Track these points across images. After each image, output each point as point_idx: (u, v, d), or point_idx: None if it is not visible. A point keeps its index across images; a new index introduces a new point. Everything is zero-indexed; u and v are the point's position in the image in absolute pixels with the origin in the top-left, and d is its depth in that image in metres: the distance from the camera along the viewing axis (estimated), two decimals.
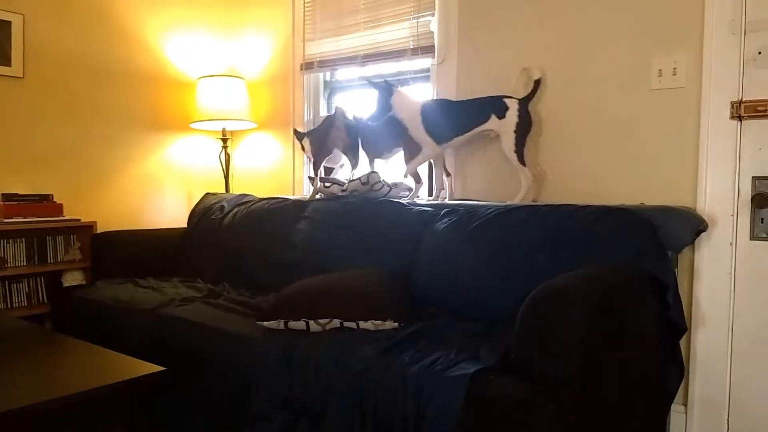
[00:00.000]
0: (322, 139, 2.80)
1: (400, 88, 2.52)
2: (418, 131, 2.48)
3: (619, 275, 1.62)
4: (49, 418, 1.34)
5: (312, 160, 2.86)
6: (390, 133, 2.63)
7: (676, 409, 2.10)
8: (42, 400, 1.29)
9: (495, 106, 2.36)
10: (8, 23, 2.73)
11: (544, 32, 2.42)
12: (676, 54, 2.12)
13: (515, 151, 2.33)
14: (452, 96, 2.68)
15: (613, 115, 2.26)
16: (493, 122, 2.35)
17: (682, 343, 1.89)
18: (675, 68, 2.12)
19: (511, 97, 2.36)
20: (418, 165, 2.56)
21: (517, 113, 2.33)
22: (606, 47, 2.27)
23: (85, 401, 1.38)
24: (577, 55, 2.34)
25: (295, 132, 2.95)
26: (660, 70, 2.16)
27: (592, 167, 2.31)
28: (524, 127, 2.34)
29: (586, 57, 2.32)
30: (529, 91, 2.38)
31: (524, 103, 2.34)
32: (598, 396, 1.42)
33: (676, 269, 1.95)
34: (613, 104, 2.26)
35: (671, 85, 2.13)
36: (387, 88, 2.50)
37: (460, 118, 2.41)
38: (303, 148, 2.90)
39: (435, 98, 2.73)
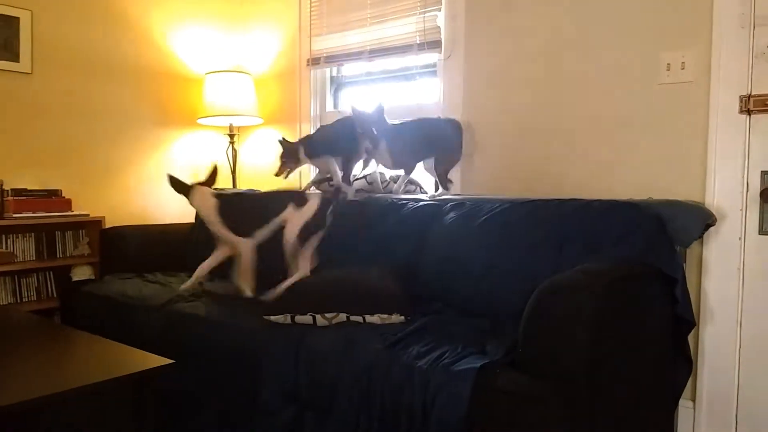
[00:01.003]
0: (350, 146, 2.56)
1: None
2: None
3: (627, 270, 1.61)
4: (59, 409, 1.35)
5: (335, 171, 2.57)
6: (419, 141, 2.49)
7: (684, 404, 2.10)
8: (53, 392, 1.30)
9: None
10: (16, 19, 2.74)
11: (552, 27, 2.41)
12: (684, 48, 2.11)
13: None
14: (459, 91, 2.67)
15: (621, 109, 2.25)
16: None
17: (691, 338, 1.89)
18: (683, 62, 2.11)
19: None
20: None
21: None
22: (614, 41, 2.26)
23: (95, 393, 1.39)
24: (585, 49, 2.33)
25: (286, 143, 2.64)
26: (668, 64, 2.14)
27: (599, 161, 2.30)
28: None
29: (595, 51, 2.31)
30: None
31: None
32: (605, 391, 1.41)
33: (684, 264, 1.94)
34: (621, 99, 2.25)
35: (680, 79, 2.12)
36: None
37: None
38: (298, 160, 2.62)
39: None
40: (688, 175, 2.11)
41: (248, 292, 2.25)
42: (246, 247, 2.30)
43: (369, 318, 1.79)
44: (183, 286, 2.35)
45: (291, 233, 2.27)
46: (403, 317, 1.82)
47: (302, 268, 2.27)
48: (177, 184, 2.32)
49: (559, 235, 1.85)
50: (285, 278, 2.14)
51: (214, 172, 2.40)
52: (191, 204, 2.36)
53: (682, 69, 2.12)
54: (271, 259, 2.25)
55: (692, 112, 2.10)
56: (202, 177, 2.40)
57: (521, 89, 2.50)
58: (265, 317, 1.85)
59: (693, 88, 2.10)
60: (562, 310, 1.34)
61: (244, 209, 2.40)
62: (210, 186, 2.38)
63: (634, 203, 1.86)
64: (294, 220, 2.31)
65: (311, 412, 1.66)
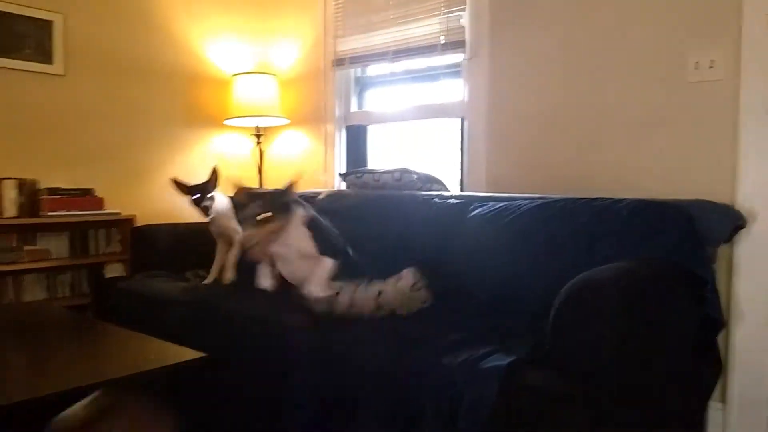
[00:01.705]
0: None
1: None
2: None
3: (655, 269, 1.61)
4: None
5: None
6: None
7: (713, 406, 2.07)
8: (90, 383, 1.34)
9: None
10: (50, 23, 2.81)
11: (577, 26, 2.40)
12: (713, 46, 2.09)
13: None
14: (484, 91, 2.68)
15: (648, 107, 2.24)
16: None
17: (720, 339, 1.87)
18: (712, 60, 2.09)
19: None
20: None
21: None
22: (642, 39, 2.24)
23: (131, 385, 1.43)
24: (612, 48, 2.32)
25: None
26: (697, 62, 2.12)
27: (626, 161, 2.29)
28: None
29: (622, 49, 2.29)
30: None
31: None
32: (633, 390, 1.41)
33: (714, 264, 1.92)
34: (648, 97, 2.23)
35: (709, 77, 2.10)
36: None
37: None
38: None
39: None
40: (717, 175, 2.09)
41: (230, 276, 2.45)
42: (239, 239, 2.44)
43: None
44: (205, 282, 2.53)
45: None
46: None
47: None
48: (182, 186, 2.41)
49: (587, 233, 1.85)
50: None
51: (214, 174, 2.46)
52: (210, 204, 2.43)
53: (711, 67, 2.10)
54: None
55: (721, 111, 2.07)
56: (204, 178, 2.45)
57: (547, 88, 2.49)
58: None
59: (722, 86, 2.07)
60: (591, 307, 1.34)
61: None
62: (213, 187, 2.44)
63: (663, 202, 1.85)
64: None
65: (338, 407, 1.68)
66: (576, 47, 2.41)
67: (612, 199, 1.94)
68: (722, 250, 2.04)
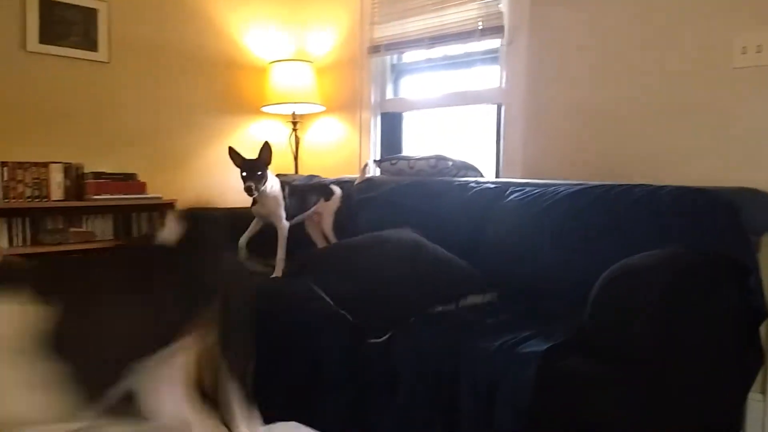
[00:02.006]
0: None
1: None
2: None
3: (698, 256, 1.58)
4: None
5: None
6: None
7: (754, 397, 2.04)
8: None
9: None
10: (95, 11, 2.88)
11: (618, 10, 2.36)
12: (760, 30, 2.03)
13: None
14: (521, 77, 2.65)
15: (692, 94, 2.19)
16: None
17: (763, 330, 1.83)
18: (760, 45, 2.04)
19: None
20: None
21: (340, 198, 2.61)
22: (686, 24, 2.19)
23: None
24: (656, 33, 2.27)
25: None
26: (744, 47, 2.07)
27: (666, 149, 2.25)
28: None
29: (666, 35, 2.25)
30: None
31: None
32: (672, 377, 1.40)
33: (758, 253, 1.88)
34: (693, 83, 2.18)
35: (756, 62, 2.05)
36: None
37: None
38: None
39: None
40: (763, 162, 2.03)
41: (278, 273, 2.35)
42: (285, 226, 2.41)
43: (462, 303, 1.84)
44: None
45: (327, 225, 2.56)
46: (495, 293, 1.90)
47: None
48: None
49: (627, 220, 1.83)
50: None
51: (265, 151, 2.28)
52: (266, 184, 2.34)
53: (758, 52, 2.04)
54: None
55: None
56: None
57: (586, 73, 2.46)
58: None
59: None
60: (631, 293, 1.33)
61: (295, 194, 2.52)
62: (263, 165, 2.28)
63: (706, 190, 1.81)
64: (325, 213, 2.58)
65: (372, 392, 1.70)
66: (616, 32, 2.37)
67: (653, 186, 1.92)
68: (766, 239, 1.99)
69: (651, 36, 2.28)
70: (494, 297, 1.92)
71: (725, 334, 1.66)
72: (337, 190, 2.65)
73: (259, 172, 2.25)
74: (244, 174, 2.24)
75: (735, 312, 1.71)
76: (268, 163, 2.29)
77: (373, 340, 1.64)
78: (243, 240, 2.46)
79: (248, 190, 2.22)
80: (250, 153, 2.33)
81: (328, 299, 1.91)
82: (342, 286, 1.91)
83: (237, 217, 3.00)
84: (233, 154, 2.28)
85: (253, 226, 2.48)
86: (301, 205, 2.51)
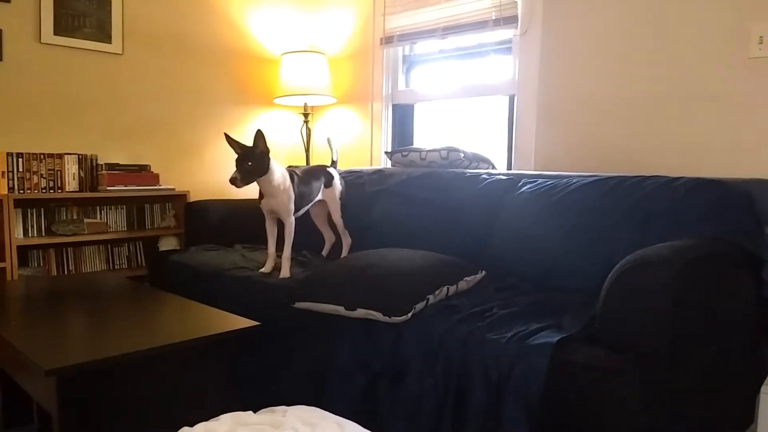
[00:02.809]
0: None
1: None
2: None
3: (712, 248, 1.57)
4: (155, 364, 1.46)
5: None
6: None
7: (766, 390, 2.02)
8: (148, 348, 1.40)
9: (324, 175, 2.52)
10: (108, 2, 2.90)
11: (635, 0, 2.33)
12: None
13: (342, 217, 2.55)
14: (535, 68, 2.64)
15: (708, 84, 2.16)
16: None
17: None
18: None
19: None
20: None
21: (339, 181, 2.57)
22: (701, 14, 2.17)
23: (187, 350, 1.50)
24: (670, 23, 2.24)
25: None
26: (761, 37, 2.04)
27: (681, 140, 2.23)
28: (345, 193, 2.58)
29: (680, 24, 2.22)
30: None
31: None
32: (685, 369, 1.39)
33: None
34: (709, 73, 2.16)
35: None
36: None
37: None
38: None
39: None
40: None
41: (286, 273, 2.19)
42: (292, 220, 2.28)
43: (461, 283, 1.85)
44: (262, 270, 2.27)
45: (335, 213, 2.55)
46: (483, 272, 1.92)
47: (345, 241, 2.58)
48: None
49: (641, 212, 1.81)
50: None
51: (258, 139, 2.09)
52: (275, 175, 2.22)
53: None
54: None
55: None
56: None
57: (600, 63, 2.44)
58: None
59: None
60: (644, 283, 1.32)
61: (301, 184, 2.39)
62: (256, 155, 2.08)
63: (721, 181, 1.80)
64: (330, 200, 2.54)
65: (384, 380, 1.71)
66: (631, 22, 2.34)
67: (667, 177, 1.90)
68: None
69: (666, 26, 2.25)
70: (484, 275, 1.97)
71: (738, 325, 1.66)
72: (334, 173, 2.58)
73: (249, 163, 2.04)
74: (237, 162, 2.05)
75: (748, 304, 1.70)
76: (265, 152, 2.09)
77: (393, 319, 1.65)
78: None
79: (232, 182, 2.02)
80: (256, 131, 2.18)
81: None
82: (356, 278, 1.91)
83: (248, 208, 3.03)
84: (231, 141, 2.09)
85: (271, 235, 2.32)
86: (304, 195, 2.37)
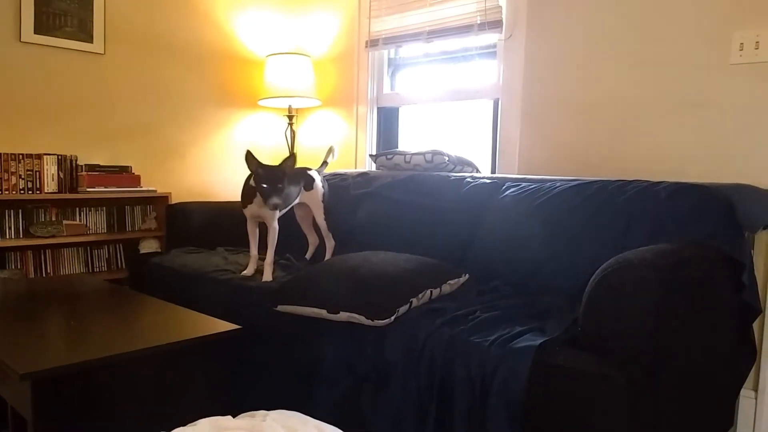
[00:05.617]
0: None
1: None
2: None
3: (693, 251, 1.58)
4: (133, 368, 1.44)
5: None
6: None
7: (746, 394, 2.04)
8: (127, 351, 1.38)
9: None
10: (90, 1, 2.86)
11: (616, 6, 2.35)
12: (759, 27, 2.03)
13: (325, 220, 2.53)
14: (519, 72, 2.65)
15: (690, 90, 2.19)
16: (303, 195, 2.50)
17: (756, 327, 1.84)
18: (758, 42, 2.04)
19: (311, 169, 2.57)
20: None
21: (321, 184, 2.55)
22: (683, 21, 2.19)
23: (166, 354, 1.48)
24: (653, 29, 2.27)
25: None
26: (741, 43, 2.07)
27: (664, 145, 2.25)
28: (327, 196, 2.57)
29: (663, 30, 2.24)
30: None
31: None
32: (667, 372, 1.40)
33: (752, 250, 1.89)
34: (691, 79, 2.18)
35: (754, 59, 2.05)
36: None
37: None
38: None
39: None
40: (759, 160, 2.04)
41: (268, 278, 2.17)
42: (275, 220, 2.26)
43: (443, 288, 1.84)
44: (244, 273, 2.25)
45: (319, 216, 2.53)
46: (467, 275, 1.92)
47: (329, 244, 2.57)
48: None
49: (623, 216, 1.83)
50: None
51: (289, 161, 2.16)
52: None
53: (756, 48, 2.04)
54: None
55: (767, 94, 2.02)
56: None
57: (584, 69, 2.46)
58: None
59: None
60: (626, 286, 1.33)
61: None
62: (288, 177, 2.14)
63: (702, 186, 1.81)
64: (312, 203, 2.53)
65: (368, 383, 1.70)
66: (615, 28, 2.37)
67: (649, 182, 1.92)
68: (760, 236, 2.00)
69: (649, 32, 2.28)
70: (467, 278, 1.97)
71: (719, 330, 1.67)
72: (315, 175, 2.56)
73: (280, 185, 2.02)
74: (265, 186, 2.00)
75: (728, 307, 1.72)
76: (291, 175, 2.14)
77: (376, 322, 1.64)
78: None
79: (273, 207, 2.02)
80: (246, 147, 2.25)
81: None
82: (338, 281, 1.90)
83: (230, 210, 3.01)
84: (250, 159, 2.06)
85: (252, 237, 2.31)
86: (286, 199, 2.31)
